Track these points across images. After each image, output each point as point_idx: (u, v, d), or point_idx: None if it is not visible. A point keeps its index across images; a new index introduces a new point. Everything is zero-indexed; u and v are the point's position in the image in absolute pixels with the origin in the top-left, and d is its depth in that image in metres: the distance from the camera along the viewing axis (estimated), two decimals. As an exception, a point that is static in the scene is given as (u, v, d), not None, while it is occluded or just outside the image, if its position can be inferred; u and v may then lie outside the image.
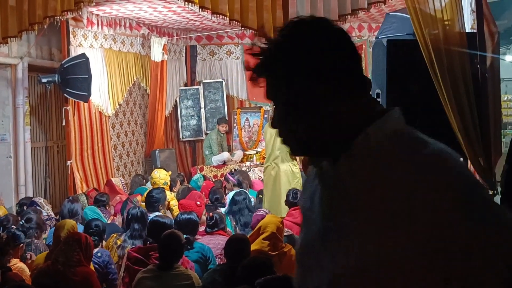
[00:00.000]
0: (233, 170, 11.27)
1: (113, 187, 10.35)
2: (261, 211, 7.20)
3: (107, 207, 8.76)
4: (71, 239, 5.29)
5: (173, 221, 6.39)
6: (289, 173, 8.97)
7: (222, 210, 8.39)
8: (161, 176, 9.12)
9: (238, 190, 8.71)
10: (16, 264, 5.65)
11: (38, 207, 8.02)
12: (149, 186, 9.51)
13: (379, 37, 6.10)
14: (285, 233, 6.48)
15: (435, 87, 5.21)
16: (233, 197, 8.05)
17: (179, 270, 5.00)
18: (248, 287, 4.11)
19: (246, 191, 8.68)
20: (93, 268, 5.59)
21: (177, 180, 10.40)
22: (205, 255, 5.99)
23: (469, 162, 5.46)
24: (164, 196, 7.80)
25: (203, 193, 9.77)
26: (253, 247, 5.73)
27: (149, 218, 6.68)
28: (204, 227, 6.89)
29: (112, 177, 11.16)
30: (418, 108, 5.48)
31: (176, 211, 8.58)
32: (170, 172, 9.62)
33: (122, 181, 11.12)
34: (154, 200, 7.58)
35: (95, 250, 6.13)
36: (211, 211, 7.63)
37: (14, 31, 7.33)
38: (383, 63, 5.57)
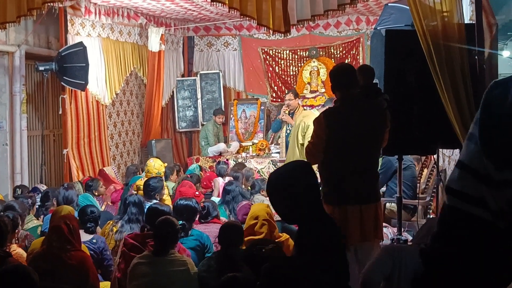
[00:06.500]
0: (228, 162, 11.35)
1: (106, 177, 10.36)
2: (244, 203, 7.24)
3: (95, 192, 8.73)
4: (55, 228, 5.29)
5: (171, 208, 6.40)
6: None
7: (213, 199, 8.46)
8: (155, 165, 9.11)
9: (229, 180, 8.80)
10: (15, 250, 5.66)
11: (39, 194, 8.05)
12: (144, 175, 9.51)
13: (378, 27, 6.11)
14: (276, 218, 6.48)
15: (433, 78, 5.22)
16: (224, 188, 8.11)
17: (174, 256, 5.00)
18: (238, 275, 4.12)
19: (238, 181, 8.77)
20: (88, 253, 5.60)
21: (173, 169, 10.40)
22: (203, 242, 5.99)
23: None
24: (161, 185, 7.81)
25: (204, 183, 9.82)
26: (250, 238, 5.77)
27: (146, 205, 6.69)
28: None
29: (108, 166, 11.16)
30: (415, 99, 5.51)
31: (167, 201, 8.58)
32: (165, 164, 9.61)
33: (115, 170, 11.13)
34: (151, 189, 7.60)
35: (91, 237, 6.15)
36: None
37: (12, 17, 7.30)
38: (381, 53, 5.59)
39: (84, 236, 6.00)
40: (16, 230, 6.05)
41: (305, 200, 3.69)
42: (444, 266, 1.99)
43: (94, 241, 6.07)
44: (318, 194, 3.89)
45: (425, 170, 8.54)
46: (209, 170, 11.76)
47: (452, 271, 1.97)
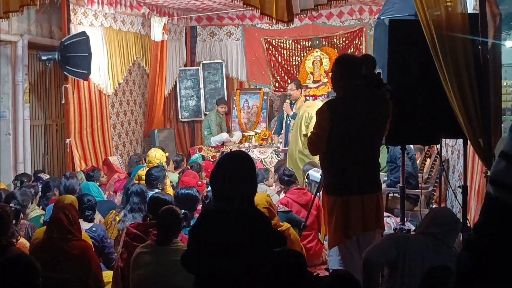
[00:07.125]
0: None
1: (110, 166, 10.37)
2: None
3: (97, 182, 8.72)
4: (54, 219, 5.31)
5: (172, 198, 6.40)
6: None
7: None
8: (156, 155, 9.06)
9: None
10: (18, 240, 5.66)
11: (41, 183, 8.06)
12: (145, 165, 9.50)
13: (381, 17, 6.08)
14: (281, 209, 6.47)
15: (436, 68, 5.20)
16: None
17: (177, 245, 4.99)
18: None
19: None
20: (90, 242, 5.62)
21: (170, 159, 10.34)
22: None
23: (468, 142, 5.47)
24: (164, 174, 7.79)
25: (204, 173, 9.80)
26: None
27: (149, 194, 6.69)
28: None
29: (110, 155, 11.17)
30: (419, 89, 5.50)
31: (169, 191, 8.56)
32: (167, 154, 9.58)
33: (120, 160, 11.12)
34: (153, 178, 7.58)
35: (90, 225, 6.17)
36: None
37: (15, 6, 7.29)
38: (385, 43, 5.57)
39: (84, 225, 6.02)
40: (19, 220, 6.06)
41: (240, 191, 3.72)
42: (490, 258, 1.93)
43: (94, 229, 6.09)
44: (254, 189, 3.91)
45: (428, 160, 8.52)
46: (211, 159, 11.75)
47: (498, 262, 1.92)
